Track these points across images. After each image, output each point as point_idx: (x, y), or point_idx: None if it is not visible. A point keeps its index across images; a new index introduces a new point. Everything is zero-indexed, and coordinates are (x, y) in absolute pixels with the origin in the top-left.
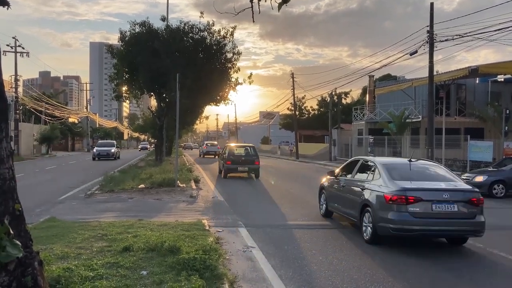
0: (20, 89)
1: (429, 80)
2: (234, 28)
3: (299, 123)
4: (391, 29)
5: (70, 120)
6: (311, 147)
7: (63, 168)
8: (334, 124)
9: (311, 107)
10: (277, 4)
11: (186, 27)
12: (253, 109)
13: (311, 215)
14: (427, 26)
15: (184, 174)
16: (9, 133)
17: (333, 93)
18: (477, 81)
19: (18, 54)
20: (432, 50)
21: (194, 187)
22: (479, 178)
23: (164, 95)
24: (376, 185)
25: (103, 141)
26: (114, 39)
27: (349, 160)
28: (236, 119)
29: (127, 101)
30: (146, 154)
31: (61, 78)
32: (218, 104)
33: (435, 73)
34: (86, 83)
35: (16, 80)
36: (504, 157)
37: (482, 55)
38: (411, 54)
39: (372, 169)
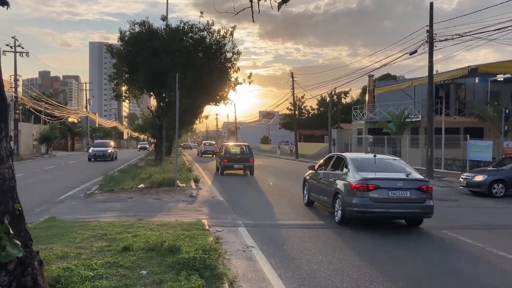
0: (19, 89)
1: (428, 79)
2: (234, 27)
3: (299, 123)
4: (390, 28)
5: (70, 120)
6: (311, 146)
7: (63, 167)
8: (333, 123)
9: (310, 106)
10: (277, 4)
11: (185, 27)
12: (253, 108)
13: (311, 214)
14: (427, 25)
15: (184, 174)
16: (8, 133)
17: (333, 93)
18: (476, 81)
19: (17, 54)
20: (431, 50)
21: (193, 186)
22: (479, 178)
23: (163, 94)
24: (345, 176)
25: (99, 141)
26: (113, 39)
27: (326, 156)
28: (235, 118)
29: (127, 100)
30: (146, 154)
31: (61, 78)
32: (217, 103)
33: (434, 72)
34: (85, 83)
35: (16, 80)
36: (503, 156)
37: (482, 55)
38: (410, 54)
39: (343, 163)
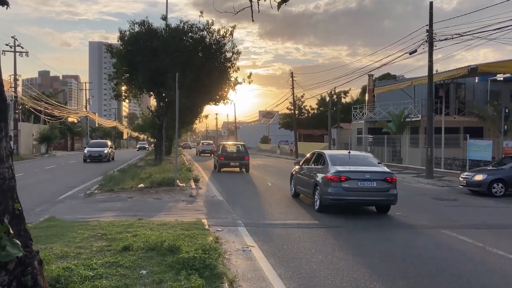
0: (19, 89)
1: (428, 79)
2: (234, 27)
3: (299, 123)
4: (390, 28)
5: (70, 119)
6: (311, 146)
7: (63, 167)
8: (333, 123)
9: (310, 106)
10: (276, 4)
11: (185, 27)
12: (253, 108)
13: (310, 214)
14: (427, 25)
15: (184, 174)
16: (8, 133)
17: (333, 92)
18: (476, 80)
19: (17, 54)
20: (431, 49)
21: (193, 186)
22: (479, 177)
23: (163, 94)
24: (323, 169)
25: (95, 140)
26: (113, 39)
27: (310, 153)
28: (235, 118)
29: (127, 100)
30: (146, 154)
31: (60, 77)
32: (217, 103)
33: (434, 72)
34: (85, 83)
35: (16, 79)
36: (503, 156)
37: (482, 54)
38: (410, 53)
39: (322, 159)
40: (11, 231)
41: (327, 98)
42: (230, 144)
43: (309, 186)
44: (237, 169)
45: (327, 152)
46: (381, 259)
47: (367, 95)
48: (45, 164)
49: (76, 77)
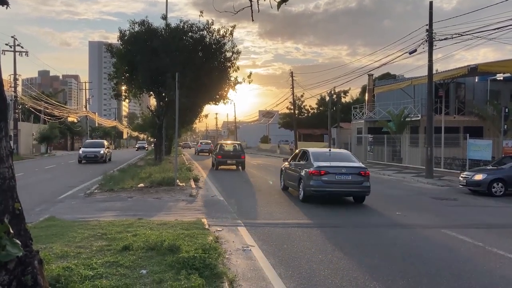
0: (19, 88)
1: (428, 78)
2: (234, 27)
3: (299, 122)
4: (390, 28)
5: (70, 119)
6: (311, 146)
7: (63, 167)
8: (333, 123)
9: (310, 106)
10: (276, 3)
11: (185, 26)
12: (253, 108)
13: (310, 214)
14: (426, 24)
15: (184, 173)
16: (8, 132)
17: (332, 92)
18: (476, 80)
19: (17, 53)
20: (431, 49)
21: (193, 186)
22: (478, 177)
23: (163, 94)
24: (306, 165)
25: (90, 140)
26: (113, 38)
27: (296, 151)
28: (235, 118)
29: (127, 100)
30: (146, 153)
31: (60, 77)
32: (217, 103)
33: (434, 71)
34: (85, 82)
35: (15, 79)
36: (503, 155)
37: (481, 54)
38: (410, 53)
39: (306, 155)
40: (11, 231)
41: (327, 98)
42: (227, 143)
43: (295, 179)
44: (237, 169)
45: (310, 149)
46: (381, 259)
47: (367, 94)
48: (45, 164)
49: (76, 77)
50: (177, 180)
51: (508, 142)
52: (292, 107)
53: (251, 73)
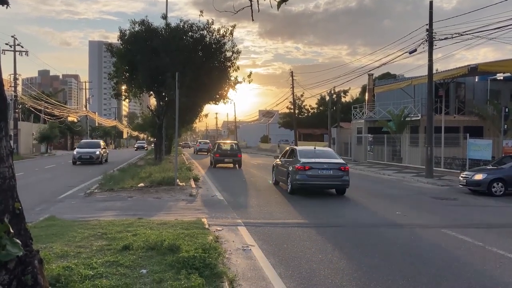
0: (19, 88)
1: (428, 78)
2: (234, 26)
3: (299, 122)
4: (390, 27)
5: (70, 119)
6: (311, 145)
7: (63, 167)
8: (333, 122)
9: (310, 105)
10: (276, 3)
11: (185, 26)
12: (253, 107)
13: (311, 214)
14: (427, 24)
15: (184, 173)
16: (8, 132)
17: (332, 92)
18: (476, 80)
19: (17, 53)
20: (431, 49)
21: (193, 185)
22: (478, 176)
23: (163, 93)
24: (294, 161)
25: (85, 140)
26: (113, 38)
27: (286, 148)
28: (235, 117)
29: (127, 100)
30: (145, 153)
31: (60, 77)
32: (217, 102)
33: (434, 71)
34: (85, 82)
35: (15, 79)
36: (503, 155)
37: (482, 54)
38: (410, 53)
39: (294, 153)
40: (11, 230)
41: (327, 98)
42: (225, 143)
43: (284, 174)
44: (237, 169)
45: (298, 147)
46: (381, 259)
47: (367, 94)
48: (45, 164)
49: (76, 77)
50: (177, 180)
51: (508, 141)
52: (292, 107)
53: (251, 73)
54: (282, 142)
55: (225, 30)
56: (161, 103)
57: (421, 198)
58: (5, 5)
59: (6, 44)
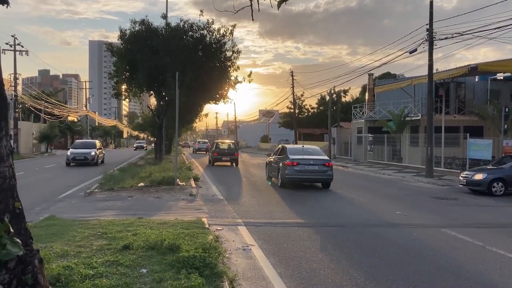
0: (19, 88)
1: (428, 78)
2: (234, 26)
3: (299, 122)
4: (390, 27)
5: (70, 118)
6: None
7: (63, 166)
8: (333, 122)
9: (310, 105)
10: (277, 3)
11: (185, 26)
12: (253, 107)
13: (311, 213)
14: (427, 24)
15: (184, 173)
16: (8, 132)
17: (332, 92)
18: (476, 79)
19: (17, 53)
20: (431, 48)
21: (193, 185)
22: (479, 176)
23: (163, 93)
24: (284, 158)
25: (81, 140)
26: (113, 37)
27: (278, 147)
28: (235, 117)
29: (127, 99)
30: (146, 153)
31: (60, 76)
32: (217, 102)
33: (434, 71)
34: (85, 82)
35: (16, 78)
36: (503, 155)
37: (482, 53)
38: (410, 52)
39: (284, 150)
40: (12, 230)
41: (327, 97)
42: (222, 142)
43: (275, 170)
44: (234, 167)
45: (288, 146)
46: (381, 258)
47: (367, 94)
48: (45, 163)
49: (76, 76)
50: (177, 180)
51: (508, 141)
52: (292, 107)
53: (251, 73)
54: (282, 141)
55: (225, 29)
56: (161, 102)
57: (421, 198)
58: (5, 5)
59: (6, 43)
